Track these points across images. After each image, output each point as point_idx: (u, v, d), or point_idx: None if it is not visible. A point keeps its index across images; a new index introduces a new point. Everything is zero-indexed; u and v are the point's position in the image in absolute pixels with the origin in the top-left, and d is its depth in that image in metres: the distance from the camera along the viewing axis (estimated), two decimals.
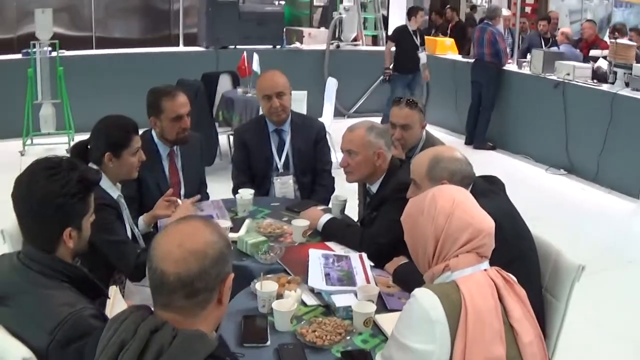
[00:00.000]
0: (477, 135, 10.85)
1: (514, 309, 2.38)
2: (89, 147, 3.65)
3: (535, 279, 3.36)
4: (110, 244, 3.55)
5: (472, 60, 11.01)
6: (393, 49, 11.10)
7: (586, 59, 10.66)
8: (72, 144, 3.79)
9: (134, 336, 1.88)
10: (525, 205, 7.72)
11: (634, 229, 7.80)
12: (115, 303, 2.93)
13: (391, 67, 11.13)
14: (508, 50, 10.90)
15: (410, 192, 3.39)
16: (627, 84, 8.90)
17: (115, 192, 3.69)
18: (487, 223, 2.44)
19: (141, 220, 4.06)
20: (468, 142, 11.00)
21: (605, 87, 9.12)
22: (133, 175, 3.78)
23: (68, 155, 3.57)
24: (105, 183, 3.57)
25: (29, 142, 9.64)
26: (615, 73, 9.07)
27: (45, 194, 2.47)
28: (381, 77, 11.16)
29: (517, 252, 3.15)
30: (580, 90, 9.29)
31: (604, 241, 7.21)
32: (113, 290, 2.97)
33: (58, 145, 9.44)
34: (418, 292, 2.33)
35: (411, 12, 11.25)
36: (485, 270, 2.42)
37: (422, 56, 11.11)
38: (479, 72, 10.73)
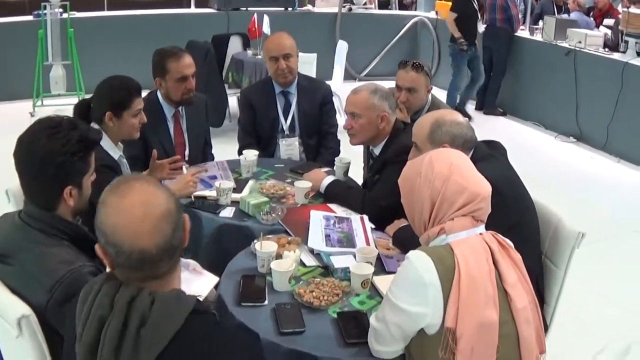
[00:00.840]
0: (488, 101, 10.77)
1: (508, 274, 2.38)
2: (91, 106, 3.66)
3: (535, 245, 3.37)
4: None
5: (484, 26, 10.88)
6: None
7: (599, 27, 10.56)
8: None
9: (112, 311, 1.85)
10: (533, 172, 7.79)
11: None
12: None
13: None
14: (520, 16, 10.76)
15: (411, 155, 3.39)
16: (638, 53, 8.82)
17: (116, 152, 3.70)
18: (484, 187, 2.45)
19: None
20: (478, 108, 10.94)
21: (616, 55, 9.04)
22: (134, 136, 3.78)
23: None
24: (106, 143, 3.59)
25: (39, 103, 9.65)
26: (627, 42, 8.98)
27: (46, 152, 2.49)
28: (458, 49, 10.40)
29: (516, 217, 3.15)
30: (591, 59, 9.22)
31: (610, 210, 7.20)
32: None
33: (68, 107, 9.31)
34: (412, 254, 2.34)
35: None
36: (480, 234, 2.42)
37: (480, 27, 10.76)
38: (490, 38, 10.62)
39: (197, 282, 3.19)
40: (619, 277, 5.66)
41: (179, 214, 1.91)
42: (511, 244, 2.53)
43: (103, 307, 1.86)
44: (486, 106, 10.79)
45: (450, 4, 10.59)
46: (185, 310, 1.84)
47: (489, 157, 3.31)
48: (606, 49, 9.36)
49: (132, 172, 3.92)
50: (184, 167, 4.09)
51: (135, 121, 3.71)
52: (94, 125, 3.59)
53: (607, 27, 10.41)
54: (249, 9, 11.23)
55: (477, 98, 11.01)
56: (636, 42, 8.83)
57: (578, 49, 9.20)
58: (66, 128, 2.55)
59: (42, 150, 2.49)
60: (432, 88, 4.67)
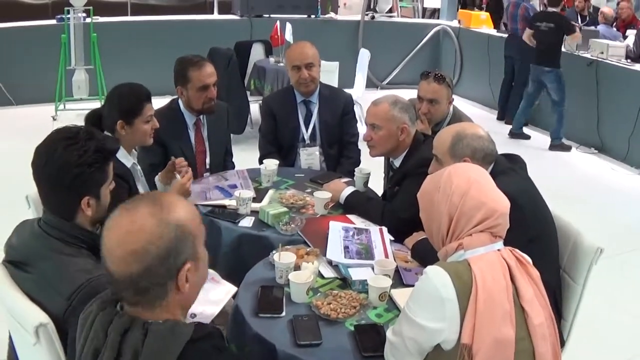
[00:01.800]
0: (510, 111, 10.68)
1: (525, 290, 2.37)
2: (102, 115, 3.69)
3: (554, 260, 3.36)
4: None
5: (506, 35, 10.84)
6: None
7: (624, 37, 10.50)
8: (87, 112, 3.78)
9: (105, 342, 1.84)
10: (554, 182, 7.78)
11: None
12: None
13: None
14: None
15: (432, 168, 3.39)
16: None
17: (129, 160, 3.73)
18: (502, 203, 2.44)
19: (157, 181, 4.09)
20: (500, 118, 10.89)
21: (638, 67, 8.99)
22: (147, 142, 3.80)
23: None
24: (119, 151, 3.59)
25: (61, 107, 9.74)
26: None
27: (63, 163, 2.51)
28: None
29: (535, 232, 3.14)
30: (614, 70, 9.15)
31: (631, 222, 7.14)
32: None
33: None
34: (430, 269, 2.34)
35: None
36: (498, 250, 2.42)
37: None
38: (512, 47, 10.57)
39: (215, 291, 3.21)
40: None
41: (162, 259, 1.84)
42: (529, 260, 2.52)
43: (98, 338, 1.86)
44: (508, 116, 10.69)
45: (478, 13, 10.56)
46: (180, 343, 1.80)
47: (509, 170, 3.30)
48: (628, 60, 9.32)
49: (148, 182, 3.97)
50: (209, 178, 4.09)
51: (148, 127, 3.73)
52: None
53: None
54: (271, 15, 11.29)
55: (498, 108, 11.00)
56: None
57: (600, 59, 9.16)
58: (83, 138, 2.57)
59: (58, 161, 2.51)
60: (453, 99, 4.66)
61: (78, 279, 2.41)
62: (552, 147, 9.47)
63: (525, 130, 10.08)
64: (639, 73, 8.79)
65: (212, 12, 11.98)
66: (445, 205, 2.43)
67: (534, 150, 9.19)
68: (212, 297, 3.16)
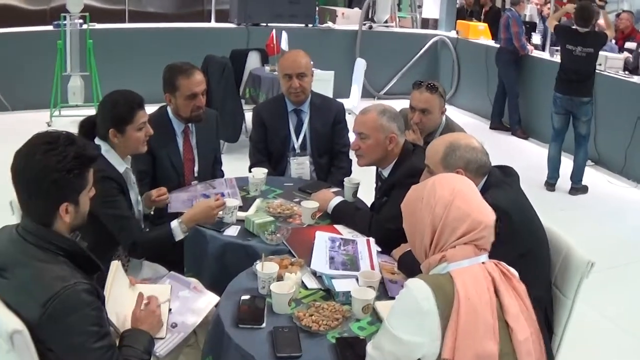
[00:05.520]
0: (511, 122, 10.79)
1: (510, 305, 2.32)
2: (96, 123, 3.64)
3: (545, 275, 3.28)
4: (110, 217, 3.53)
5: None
6: None
7: (621, 50, 10.46)
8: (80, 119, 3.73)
9: None
10: (551, 195, 7.66)
11: None
12: (116, 278, 2.93)
13: None
14: (523, 36, 10.52)
15: (422, 178, 3.32)
16: None
17: (122, 165, 3.66)
18: (488, 215, 2.39)
19: (143, 200, 4.03)
20: (493, 127, 10.97)
21: (636, 79, 8.95)
22: (141, 149, 3.75)
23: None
24: (112, 157, 3.59)
25: (56, 113, 9.70)
26: None
27: (41, 168, 2.45)
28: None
29: (527, 246, 3.07)
30: (611, 81, 9.11)
31: (627, 235, 7.08)
32: (114, 265, 2.96)
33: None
34: (411, 282, 2.29)
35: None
36: (483, 263, 2.36)
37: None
38: (498, 58, 10.72)
39: (197, 301, 3.16)
40: (637, 305, 5.54)
41: None
42: (516, 273, 2.47)
43: None
44: (511, 127, 10.79)
45: (476, 24, 10.52)
46: None
47: (502, 184, 3.23)
48: (626, 72, 9.28)
49: (139, 187, 3.93)
50: (197, 186, 4.02)
51: (141, 135, 3.67)
52: (99, 142, 3.57)
53: (628, 50, 10.30)
54: (269, 24, 11.23)
55: (491, 117, 11.09)
56: None
57: (598, 71, 9.10)
58: (63, 144, 2.51)
59: (37, 166, 2.45)
60: (446, 109, 4.60)
61: (54, 287, 2.37)
62: (574, 191, 8.38)
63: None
64: (636, 85, 8.75)
65: (209, 21, 11.94)
66: (428, 215, 2.37)
67: (530, 161, 9.10)
68: (194, 307, 3.12)
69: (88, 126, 3.63)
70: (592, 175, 8.93)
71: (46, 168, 2.46)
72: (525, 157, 9.43)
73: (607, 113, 9.05)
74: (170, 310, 3.04)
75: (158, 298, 2.95)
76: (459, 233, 2.33)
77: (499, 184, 3.22)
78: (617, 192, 8.58)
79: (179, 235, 3.67)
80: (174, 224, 3.66)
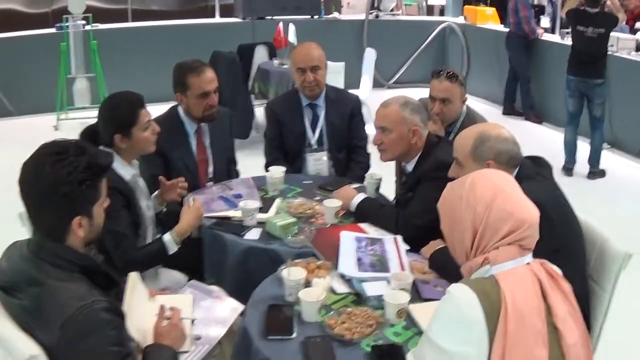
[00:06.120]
0: (523, 107, 10.66)
1: (558, 308, 2.18)
2: (97, 131, 3.50)
3: (582, 269, 3.14)
4: (109, 232, 3.32)
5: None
6: None
7: (632, 31, 10.29)
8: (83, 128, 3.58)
9: None
10: (568, 179, 7.49)
11: None
12: (135, 291, 2.79)
13: None
14: (533, 19, 10.43)
15: (452, 172, 3.20)
16: None
17: (128, 171, 3.52)
18: (531, 213, 2.23)
19: (154, 199, 3.88)
20: (505, 112, 10.84)
21: None
22: (150, 149, 3.60)
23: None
24: (117, 163, 3.40)
25: (63, 116, 9.58)
26: None
27: (51, 181, 2.30)
28: None
29: (563, 240, 2.93)
30: (624, 63, 8.93)
31: None
32: (132, 278, 2.81)
33: (92, 119, 9.30)
34: (454, 289, 2.13)
35: None
36: (528, 264, 2.21)
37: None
38: (507, 43, 10.59)
39: (220, 310, 3.03)
40: None
41: None
42: (560, 272, 2.32)
43: None
44: (524, 112, 10.68)
45: (484, 9, 10.34)
46: None
47: (536, 175, 3.08)
48: (639, 52, 9.10)
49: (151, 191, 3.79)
50: (190, 199, 3.85)
51: (148, 134, 3.53)
52: (105, 149, 3.42)
53: (638, 30, 10.13)
54: (274, 17, 11.12)
55: (503, 103, 10.98)
56: None
57: (610, 52, 8.90)
58: (73, 154, 2.36)
59: (46, 178, 2.30)
60: (467, 98, 4.46)
61: (71, 307, 2.22)
62: (592, 175, 8.27)
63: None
64: None
65: (213, 16, 11.81)
66: (468, 216, 2.22)
67: (545, 147, 8.93)
68: (217, 317, 2.98)
69: (89, 135, 3.46)
70: (609, 159, 8.75)
71: (56, 181, 2.30)
72: (539, 142, 9.23)
73: (622, 95, 8.85)
74: (193, 321, 2.89)
75: (180, 309, 2.81)
76: (502, 233, 2.18)
77: (533, 175, 3.06)
78: (635, 175, 8.44)
79: (172, 248, 3.51)
80: (167, 237, 3.51)
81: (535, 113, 10.52)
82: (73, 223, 2.37)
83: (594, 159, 8.27)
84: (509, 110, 10.85)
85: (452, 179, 3.20)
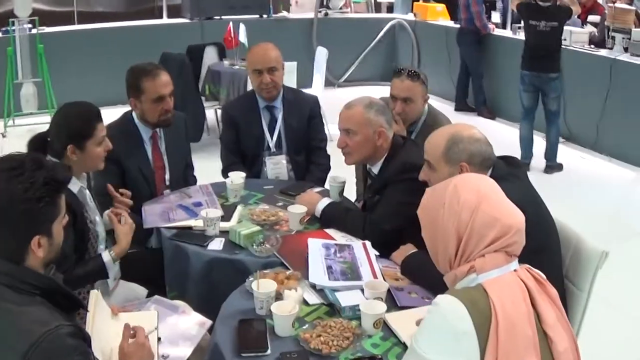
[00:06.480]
0: (476, 103, 10.67)
1: (547, 314, 2.10)
2: (48, 140, 3.31)
3: (558, 269, 3.08)
4: None
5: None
6: None
7: (584, 24, 10.33)
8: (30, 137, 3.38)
9: None
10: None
11: (638, 198, 7.52)
12: (97, 311, 2.62)
13: None
14: (484, 14, 10.40)
15: (423, 175, 3.11)
16: (625, 49, 8.57)
17: (76, 185, 3.32)
18: (517, 218, 2.14)
19: (105, 216, 3.63)
20: (458, 109, 10.79)
21: (603, 52, 8.82)
22: (99, 166, 3.42)
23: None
24: None
25: (10, 123, 9.29)
26: (613, 38, 8.74)
27: (7, 199, 2.13)
28: None
29: (540, 242, 2.84)
30: (578, 56, 8.97)
31: (607, 212, 6.94)
32: (94, 295, 2.65)
33: (40, 126, 9.05)
34: (442, 300, 2.03)
35: None
36: (515, 270, 2.12)
37: None
38: (459, 39, 10.57)
39: (187, 327, 2.90)
40: (629, 285, 5.35)
41: None
42: (544, 277, 2.23)
43: None
44: (477, 108, 10.68)
45: (434, 5, 10.32)
46: None
47: (510, 176, 2.98)
48: (592, 46, 9.14)
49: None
50: (170, 196, 3.67)
51: (101, 150, 3.35)
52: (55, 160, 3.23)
53: (592, 23, 10.17)
54: (222, 17, 10.95)
55: (455, 99, 10.96)
56: (623, 38, 8.58)
57: (563, 46, 8.92)
58: (29, 169, 2.18)
59: (1, 196, 2.13)
60: (429, 97, 4.37)
61: (34, 333, 2.04)
62: (550, 169, 8.25)
63: None
64: (604, 58, 8.60)
65: (161, 17, 11.59)
66: (452, 222, 2.11)
67: (500, 142, 8.90)
68: (185, 334, 2.85)
69: (38, 144, 3.29)
70: (564, 152, 8.77)
71: (12, 198, 2.13)
72: (494, 137, 8.91)
73: (575, 88, 8.88)
74: (159, 339, 2.74)
75: (145, 328, 2.66)
76: (488, 240, 2.08)
77: (507, 176, 2.97)
78: (591, 168, 8.47)
79: (112, 269, 3.34)
80: (107, 257, 3.32)
81: (488, 109, 10.52)
82: (32, 243, 2.20)
83: (551, 153, 8.27)
84: (462, 106, 10.82)
85: (422, 182, 3.13)
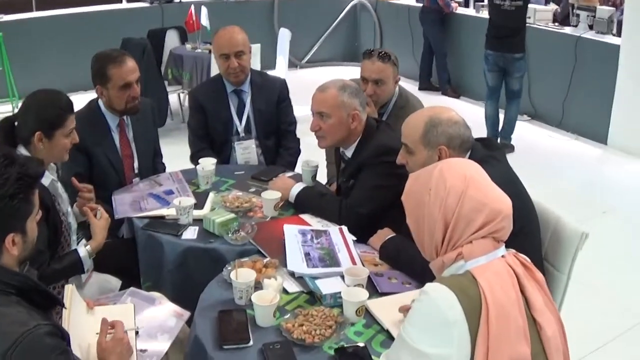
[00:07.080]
0: (440, 82, 10.65)
1: (535, 300, 2.07)
2: (16, 124, 3.22)
3: (538, 252, 3.06)
4: None
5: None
6: None
7: (547, 2, 10.35)
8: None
9: None
10: None
11: (605, 176, 7.59)
12: (73, 306, 2.55)
13: None
14: None
15: (400, 158, 3.06)
16: (590, 27, 8.61)
17: (47, 178, 3.23)
18: (505, 203, 2.11)
19: (76, 207, 3.57)
20: (422, 88, 10.72)
21: (567, 30, 8.84)
22: (64, 158, 3.32)
23: None
24: None
25: None
26: (578, 15, 8.76)
27: None
28: None
29: (522, 224, 2.79)
30: (542, 34, 8.99)
31: (575, 190, 7.00)
32: (69, 290, 2.57)
33: (1, 114, 8.93)
34: (431, 288, 1.99)
35: None
36: (502, 256, 2.09)
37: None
38: (422, 17, 10.50)
39: (165, 319, 2.83)
40: (598, 263, 5.32)
41: None
42: (530, 262, 2.20)
43: None
44: (441, 87, 10.66)
45: None
46: None
47: (489, 158, 2.94)
48: (556, 24, 9.15)
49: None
50: (140, 184, 3.58)
51: (68, 141, 3.25)
52: (21, 149, 3.15)
53: (554, 1, 10.20)
54: (182, 0, 10.78)
55: (419, 78, 10.90)
56: (588, 16, 8.61)
57: (528, 24, 8.91)
58: (1, 165, 2.12)
59: None
60: (399, 78, 4.32)
61: (13, 333, 1.97)
62: (504, 147, 7.71)
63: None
64: (569, 36, 8.62)
65: (120, 1, 11.40)
66: (438, 208, 2.07)
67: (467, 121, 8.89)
68: (163, 326, 2.78)
69: (5, 128, 3.20)
70: (530, 130, 8.83)
71: None
72: (463, 115, 9.21)
73: (541, 66, 8.93)
74: (137, 333, 2.68)
75: (122, 321, 2.59)
76: (476, 226, 2.05)
77: (486, 159, 2.92)
78: (557, 146, 8.51)
79: (88, 264, 3.26)
80: (83, 252, 3.23)
81: (452, 88, 10.51)
82: (6, 241, 2.12)
83: (507, 131, 8.27)
84: (426, 85, 10.80)
85: (398, 165, 3.09)
